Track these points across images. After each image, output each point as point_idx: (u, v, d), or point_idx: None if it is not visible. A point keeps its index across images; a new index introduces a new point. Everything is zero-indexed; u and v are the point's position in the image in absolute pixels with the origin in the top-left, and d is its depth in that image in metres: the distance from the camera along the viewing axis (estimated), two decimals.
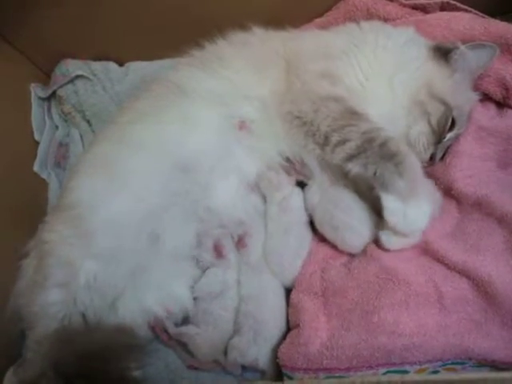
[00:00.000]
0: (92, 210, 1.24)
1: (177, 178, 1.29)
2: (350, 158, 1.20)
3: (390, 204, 1.16)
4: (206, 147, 1.31)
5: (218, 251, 1.39)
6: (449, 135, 1.33)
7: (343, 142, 1.21)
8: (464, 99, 1.35)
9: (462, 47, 1.31)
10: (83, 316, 1.22)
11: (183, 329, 1.34)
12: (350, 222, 1.28)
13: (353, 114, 1.24)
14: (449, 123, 1.31)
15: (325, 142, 1.23)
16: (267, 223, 1.41)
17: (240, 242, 1.39)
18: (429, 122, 1.30)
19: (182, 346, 1.35)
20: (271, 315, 1.30)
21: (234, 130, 1.34)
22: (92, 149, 1.40)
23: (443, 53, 1.33)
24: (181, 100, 1.35)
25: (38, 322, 1.20)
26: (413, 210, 1.15)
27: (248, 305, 1.31)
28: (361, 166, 1.19)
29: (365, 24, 1.39)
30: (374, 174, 1.17)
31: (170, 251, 1.31)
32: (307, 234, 1.38)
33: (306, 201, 1.38)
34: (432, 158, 1.33)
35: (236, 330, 1.32)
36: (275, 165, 1.37)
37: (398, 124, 1.31)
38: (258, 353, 1.26)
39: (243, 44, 1.40)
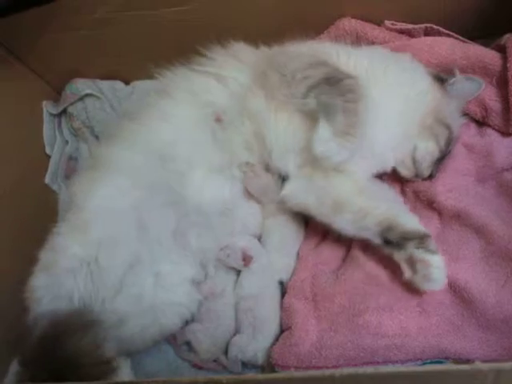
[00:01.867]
0: (84, 200, 1.30)
1: (156, 168, 1.34)
2: (309, 90, 1.25)
3: (321, 130, 1.20)
4: (182, 138, 1.38)
5: (220, 260, 1.45)
6: None
7: (306, 77, 1.26)
8: (458, 124, 1.43)
9: (459, 76, 1.38)
10: (71, 302, 1.21)
11: (187, 328, 1.40)
12: None
13: (323, 62, 1.31)
14: (452, 144, 1.40)
15: (291, 79, 1.28)
16: (264, 221, 1.50)
17: (246, 260, 1.42)
18: (437, 143, 1.37)
19: (185, 344, 1.42)
20: (269, 312, 1.36)
21: (211, 121, 1.39)
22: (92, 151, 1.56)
23: (442, 80, 1.40)
24: (162, 98, 1.44)
25: (31, 306, 1.22)
26: (334, 145, 1.20)
27: (247, 302, 1.38)
28: (316, 97, 1.24)
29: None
30: (324, 104, 1.23)
31: (158, 241, 1.35)
32: (301, 224, 1.49)
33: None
34: (431, 175, 1.40)
35: (237, 329, 1.38)
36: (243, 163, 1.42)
37: (405, 145, 1.38)
38: (258, 348, 1.32)
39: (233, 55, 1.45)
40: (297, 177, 1.37)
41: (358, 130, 1.22)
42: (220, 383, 0.84)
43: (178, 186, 1.36)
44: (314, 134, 1.22)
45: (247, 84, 1.39)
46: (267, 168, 1.42)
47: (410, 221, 1.26)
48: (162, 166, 1.35)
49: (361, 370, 0.81)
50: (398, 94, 1.36)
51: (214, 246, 1.44)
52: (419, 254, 1.18)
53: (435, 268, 1.17)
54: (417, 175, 1.40)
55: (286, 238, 1.47)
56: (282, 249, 1.45)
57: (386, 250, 1.25)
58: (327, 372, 0.80)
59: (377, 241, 1.26)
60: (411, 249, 1.19)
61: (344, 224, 1.30)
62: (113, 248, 1.26)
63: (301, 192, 1.36)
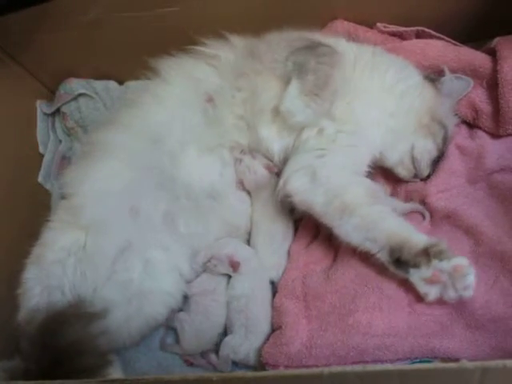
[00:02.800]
0: (77, 187, 1.32)
1: (149, 150, 1.35)
2: (290, 54, 1.30)
3: (291, 87, 1.26)
4: (175, 118, 1.39)
5: (210, 270, 1.46)
6: None
7: (290, 45, 1.32)
8: (452, 123, 1.44)
9: (449, 75, 1.41)
10: (63, 293, 1.24)
11: (176, 315, 1.42)
12: None
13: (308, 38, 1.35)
14: (447, 144, 1.41)
15: (277, 47, 1.33)
16: (252, 215, 1.51)
17: (233, 266, 1.43)
18: (435, 141, 1.39)
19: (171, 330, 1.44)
20: (261, 312, 1.37)
21: (202, 102, 1.41)
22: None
23: (432, 80, 1.42)
24: (155, 81, 1.46)
25: (21, 302, 1.24)
26: (300, 102, 1.24)
27: (239, 302, 1.38)
28: (295, 59, 1.29)
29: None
30: (299, 64, 1.27)
31: (149, 224, 1.35)
32: (290, 222, 1.49)
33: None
34: (429, 174, 1.41)
35: (229, 328, 1.39)
36: (234, 144, 1.44)
37: (402, 145, 1.39)
38: (250, 349, 1.32)
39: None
40: (300, 170, 1.32)
41: (328, 93, 1.26)
42: (210, 381, 0.85)
43: (169, 167, 1.37)
44: (284, 91, 1.27)
45: (237, 62, 1.42)
46: (257, 150, 1.43)
47: (422, 236, 1.18)
48: (154, 148, 1.36)
49: (349, 368, 0.81)
50: (386, 85, 1.39)
51: (204, 232, 1.44)
52: (446, 264, 1.11)
53: (469, 268, 1.11)
54: (415, 175, 1.41)
55: (275, 234, 1.47)
56: (271, 246, 1.46)
57: (399, 271, 1.18)
58: (316, 370, 0.81)
59: (384, 258, 1.19)
60: (436, 262, 1.11)
61: (350, 229, 1.23)
62: (104, 232, 1.28)
63: (307, 188, 1.31)
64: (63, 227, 1.29)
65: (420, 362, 1.17)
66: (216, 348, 1.40)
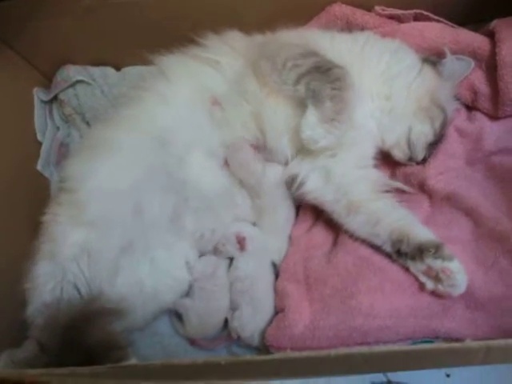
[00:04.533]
0: (81, 182, 1.31)
1: (155, 152, 1.35)
2: (300, 77, 1.28)
3: (309, 115, 1.26)
4: (181, 121, 1.39)
5: (219, 251, 1.48)
6: None
7: (296, 66, 1.30)
8: (452, 108, 1.45)
9: (450, 56, 1.40)
10: (76, 288, 1.25)
11: (181, 301, 1.44)
12: None
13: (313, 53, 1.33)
14: (446, 128, 1.42)
15: (282, 67, 1.31)
16: (254, 203, 1.51)
17: (240, 243, 1.46)
18: (432, 126, 1.38)
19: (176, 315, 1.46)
20: (265, 294, 1.39)
21: (208, 104, 1.41)
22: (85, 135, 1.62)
23: (433, 62, 1.42)
24: (160, 81, 1.44)
25: (31, 296, 1.25)
26: (321, 130, 1.25)
27: (244, 283, 1.40)
28: (306, 84, 1.27)
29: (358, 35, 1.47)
30: (313, 90, 1.26)
31: (153, 224, 1.36)
32: (292, 206, 1.51)
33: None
34: (424, 158, 1.41)
35: (234, 308, 1.40)
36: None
37: (399, 127, 1.39)
38: (255, 330, 1.34)
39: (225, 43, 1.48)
40: (315, 170, 1.39)
41: (345, 116, 1.27)
42: (218, 364, 0.86)
43: (177, 171, 1.38)
44: (302, 119, 1.26)
45: (241, 71, 1.41)
46: (267, 150, 1.44)
47: (422, 231, 1.26)
48: (161, 150, 1.36)
49: (355, 349, 0.83)
50: (380, 71, 1.41)
51: (213, 225, 1.47)
52: (439, 263, 1.18)
53: (458, 274, 1.17)
54: (411, 158, 1.41)
55: (278, 220, 1.48)
56: (274, 231, 1.48)
57: (400, 260, 1.26)
58: (323, 353, 0.83)
59: (389, 250, 1.28)
60: (429, 260, 1.19)
61: (356, 226, 1.33)
62: (106, 230, 1.28)
63: (320, 187, 1.39)
64: (71, 223, 1.28)
65: (421, 342, 1.19)
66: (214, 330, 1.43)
